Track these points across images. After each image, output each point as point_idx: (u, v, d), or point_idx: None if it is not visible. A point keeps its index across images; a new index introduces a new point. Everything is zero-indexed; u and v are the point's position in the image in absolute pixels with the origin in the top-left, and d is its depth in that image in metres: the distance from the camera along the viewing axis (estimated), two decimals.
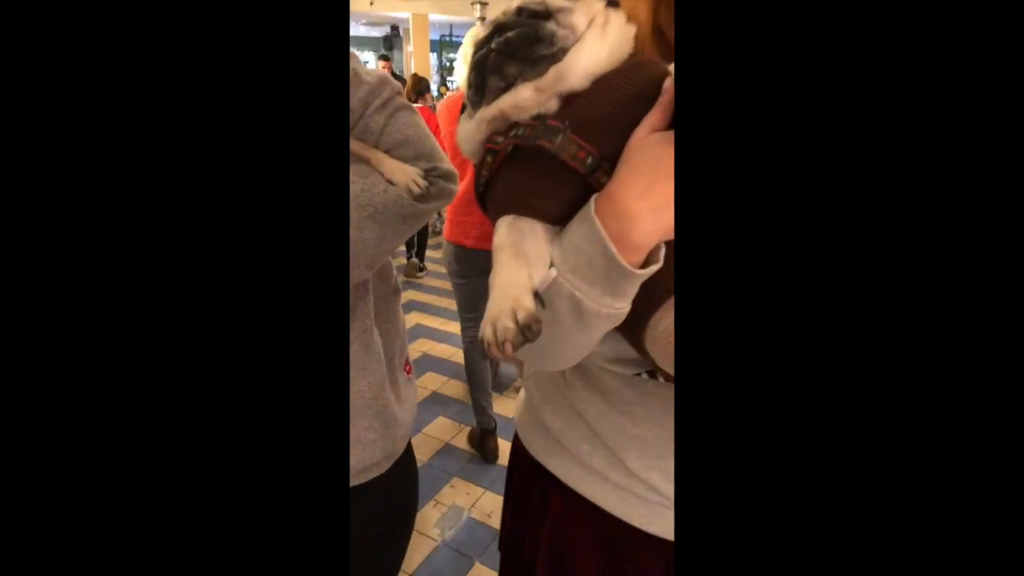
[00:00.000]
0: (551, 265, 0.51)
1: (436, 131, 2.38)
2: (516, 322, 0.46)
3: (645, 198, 0.47)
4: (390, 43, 12.11)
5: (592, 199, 0.49)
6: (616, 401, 0.66)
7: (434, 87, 9.02)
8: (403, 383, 0.98)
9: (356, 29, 13.87)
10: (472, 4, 7.60)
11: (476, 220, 2.13)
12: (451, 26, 12.00)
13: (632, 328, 0.54)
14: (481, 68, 0.53)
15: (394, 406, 0.92)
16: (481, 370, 2.42)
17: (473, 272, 2.22)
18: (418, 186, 0.76)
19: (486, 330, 0.47)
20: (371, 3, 9.02)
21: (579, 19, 0.53)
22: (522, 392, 0.84)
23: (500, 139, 0.53)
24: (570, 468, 0.71)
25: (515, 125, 0.52)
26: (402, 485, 0.99)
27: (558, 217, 0.52)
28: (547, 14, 0.53)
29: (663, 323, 0.52)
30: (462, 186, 1.89)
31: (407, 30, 9.91)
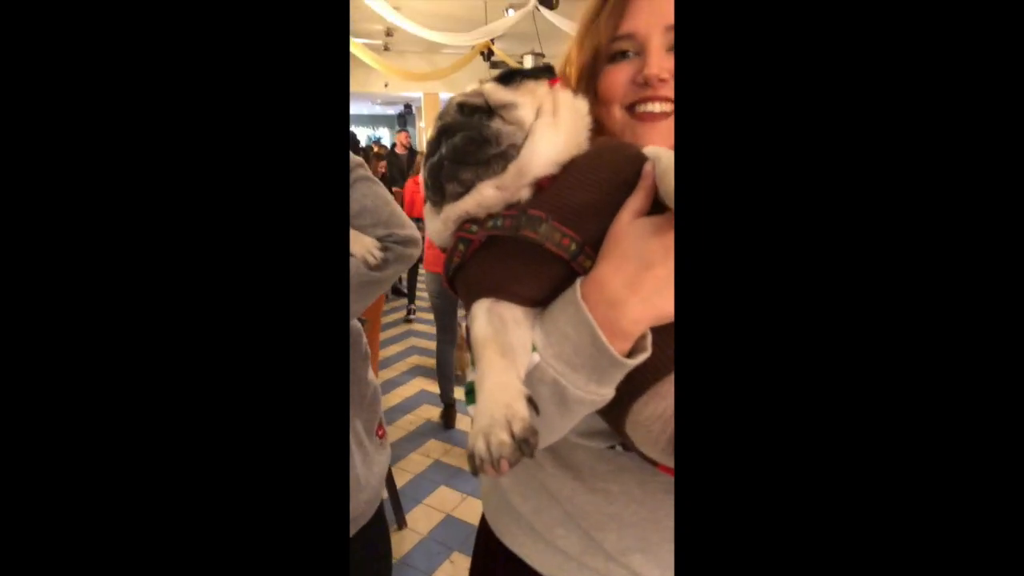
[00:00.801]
0: (533, 349, 0.49)
1: None
2: (512, 435, 0.42)
3: (635, 286, 0.46)
4: (403, 120, 12.76)
5: (577, 283, 0.49)
6: (589, 476, 0.63)
7: None
8: (373, 447, 0.96)
9: (372, 108, 14.66)
10: (481, 83, 8.03)
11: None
12: None
13: (613, 411, 0.52)
14: (436, 175, 0.53)
15: (359, 468, 0.90)
16: (448, 364, 3.13)
17: (439, 291, 2.97)
18: (374, 257, 0.79)
19: (478, 444, 0.42)
20: (386, 85, 9.61)
21: (526, 112, 0.53)
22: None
23: (474, 227, 0.52)
24: (543, 554, 0.66)
25: (490, 216, 0.52)
26: (367, 559, 0.95)
27: (539, 300, 0.52)
28: (489, 110, 0.54)
29: (647, 409, 0.50)
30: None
31: (419, 108, 10.47)
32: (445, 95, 10.43)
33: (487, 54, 7.31)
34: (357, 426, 0.94)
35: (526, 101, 0.54)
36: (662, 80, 0.58)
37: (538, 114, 0.54)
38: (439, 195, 0.54)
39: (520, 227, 0.49)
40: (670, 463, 0.52)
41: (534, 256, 0.50)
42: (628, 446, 0.61)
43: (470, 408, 0.56)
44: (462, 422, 3.21)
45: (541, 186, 0.52)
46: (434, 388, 3.69)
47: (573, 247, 0.49)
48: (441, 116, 0.56)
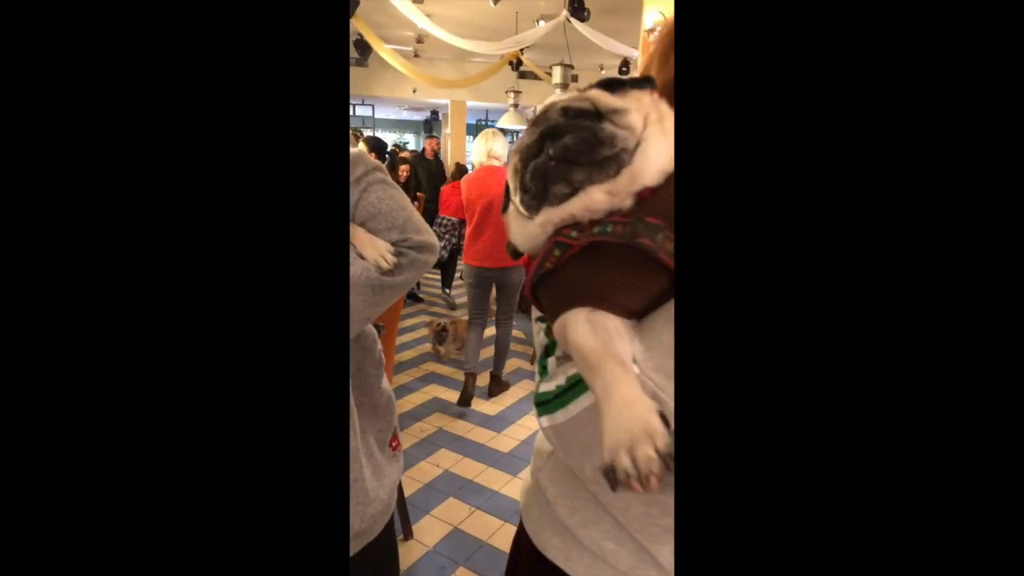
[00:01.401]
0: (633, 361, 0.49)
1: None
2: (657, 451, 0.42)
3: None
4: (430, 126, 12.88)
5: None
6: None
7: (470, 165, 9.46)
8: (384, 459, 0.93)
9: (399, 113, 14.82)
10: (506, 92, 8.08)
11: (480, 247, 3.21)
12: (487, 111, 12.73)
13: None
14: (541, 176, 0.53)
15: (368, 480, 0.87)
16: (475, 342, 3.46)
17: (476, 281, 3.32)
18: (387, 261, 0.78)
19: (621, 459, 0.43)
20: (414, 91, 9.71)
21: (635, 119, 0.53)
22: (527, 479, 0.78)
23: (574, 233, 0.52)
24: (591, 569, 0.64)
25: (593, 222, 0.52)
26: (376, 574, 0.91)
27: (638, 312, 0.52)
28: (598, 114, 0.53)
29: None
30: (471, 225, 3.18)
31: (446, 115, 10.56)
32: (472, 103, 10.50)
33: (515, 63, 7.34)
34: (368, 437, 0.91)
35: (634, 107, 0.54)
36: None
37: (646, 122, 0.53)
38: (539, 198, 0.53)
39: (636, 234, 0.48)
40: None
41: (641, 266, 0.49)
42: None
43: (544, 419, 0.57)
44: (477, 405, 3.17)
45: (642, 196, 0.51)
46: (448, 395, 3.67)
47: None
48: (540, 120, 0.55)
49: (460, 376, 3.96)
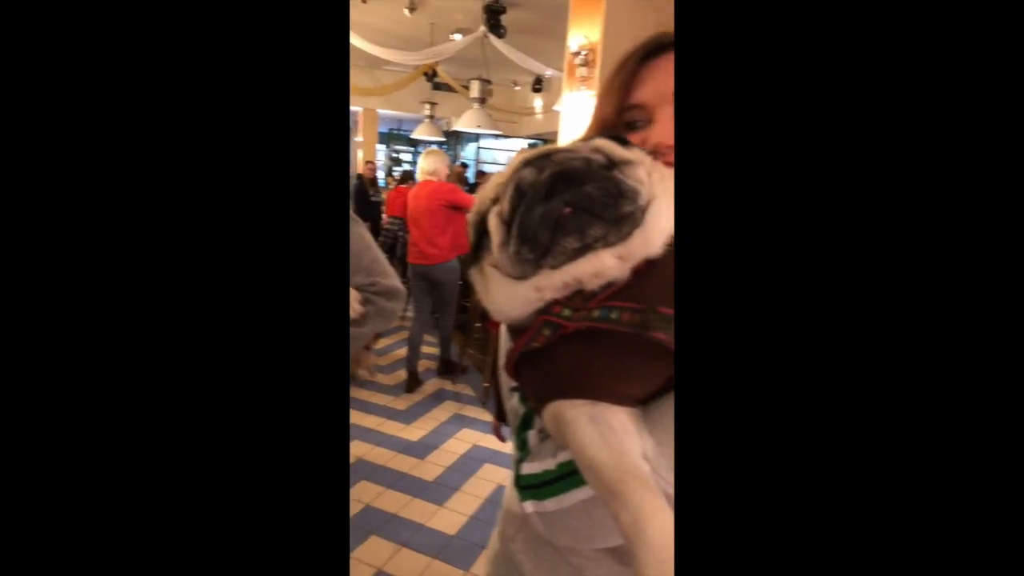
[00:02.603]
0: (644, 458, 0.43)
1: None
2: None
3: None
4: None
5: None
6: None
7: (381, 175, 9.23)
8: None
9: None
10: (421, 103, 7.96)
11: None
12: (400, 121, 12.47)
13: None
14: (551, 226, 0.44)
15: None
16: (417, 337, 3.86)
17: (415, 279, 3.73)
18: (353, 311, 0.71)
19: None
20: None
21: (643, 173, 0.47)
22: (494, 547, 0.70)
23: (567, 312, 0.44)
24: None
25: (589, 300, 0.44)
26: None
27: (642, 399, 0.45)
28: (610, 164, 0.47)
29: None
30: (423, 226, 3.59)
31: (357, 122, 10.19)
32: (384, 112, 10.24)
33: (431, 74, 7.23)
34: None
35: (642, 161, 0.48)
36: (669, 147, 0.57)
37: (650, 179, 0.47)
38: (542, 252, 0.44)
39: (649, 327, 0.42)
40: None
41: (646, 352, 0.43)
42: None
43: (528, 504, 0.50)
44: (397, 430, 3.01)
45: (639, 271, 0.45)
46: (367, 421, 3.47)
47: None
48: (545, 162, 0.47)
49: (376, 398, 3.78)
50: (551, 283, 0.45)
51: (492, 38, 5.33)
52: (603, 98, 0.63)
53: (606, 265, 0.44)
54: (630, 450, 0.43)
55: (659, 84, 0.60)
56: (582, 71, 3.03)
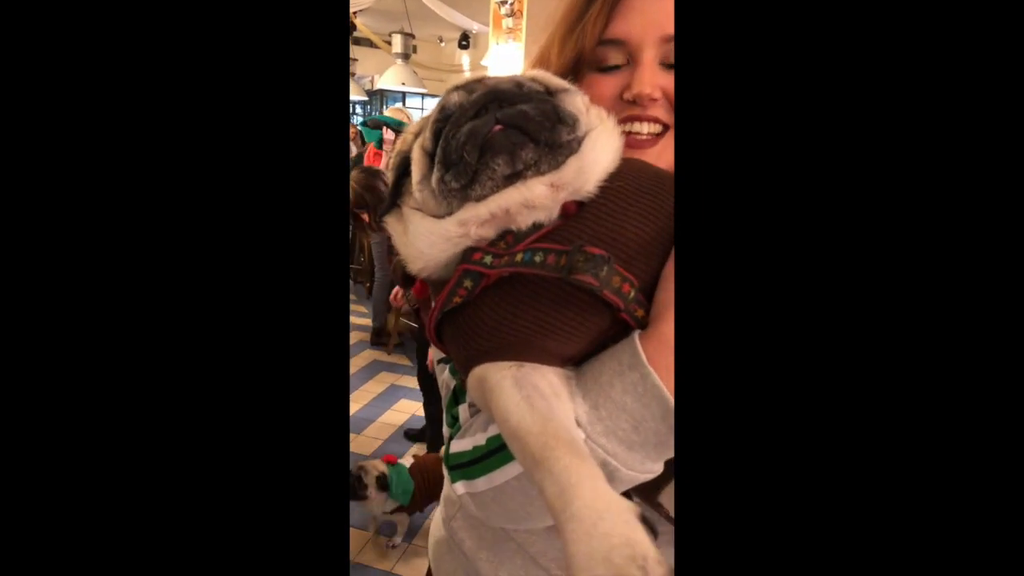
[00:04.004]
0: (576, 424, 0.39)
1: None
2: None
3: None
4: None
5: (636, 343, 0.37)
6: None
7: None
8: None
9: None
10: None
11: None
12: None
13: (648, 484, 0.42)
14: (479, 144, 0.38)
15: None
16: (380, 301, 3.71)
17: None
18: None
19: None
20: None
21: (580, 103, 0.43)
22: (436, 534, 0.65)
23: (488, 259, 0.39)
24: None
25: (514, 242, 0.39)
26: None
27: (573, 358, 0.41)
28: (548, 92, 0.42)
29: None
30: None
31: None
32: None
33: (350, 28, 6.79)
34: None
35: (580, 94, 0.44)
36: (654, 100, 0.50)
37: (588, 111, 0.44)
38: (468, 176, 0.39)
39: (575, 269, 0.37)
40: None
41: (576, 302, 0.38)
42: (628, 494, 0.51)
43: (459, 484, 0.45)
44: None
45: (568, 211, 0.40)
46: None
47: (632, 294, 0.39)
48: (476, 84, 0.42)
49: None
50: (476, 215, 0.40)
51: None
52: (574, 25, 0.52)
53: (535, 194, 0.39)
54: (559, 414, 0.38)
55: (647, 17, 0.49)
56: (508, 22, 2.90)
